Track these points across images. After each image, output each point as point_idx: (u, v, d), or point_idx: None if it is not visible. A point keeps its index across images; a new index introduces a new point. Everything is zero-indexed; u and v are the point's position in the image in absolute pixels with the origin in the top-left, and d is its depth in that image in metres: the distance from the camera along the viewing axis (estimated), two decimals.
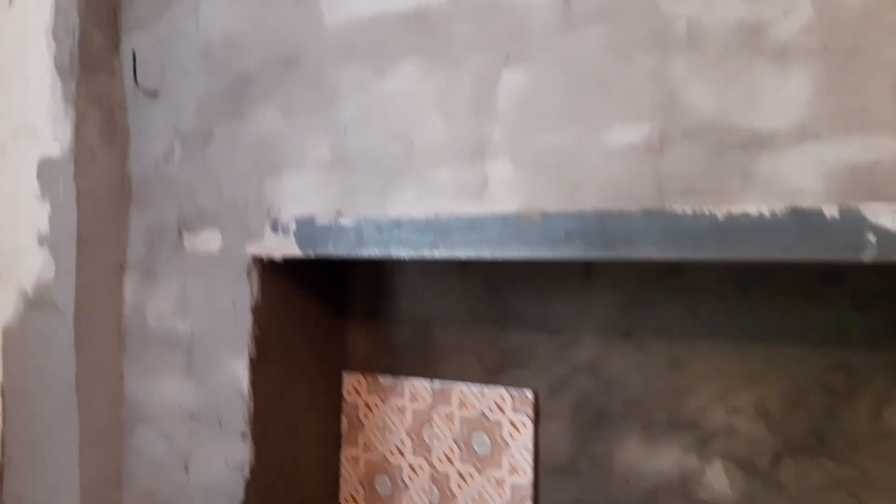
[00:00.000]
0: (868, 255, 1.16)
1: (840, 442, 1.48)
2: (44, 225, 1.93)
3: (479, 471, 1.86)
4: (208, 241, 1.84)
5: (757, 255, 1.25)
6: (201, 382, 1.85)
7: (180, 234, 1.89)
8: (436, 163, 1.56)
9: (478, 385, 1.87)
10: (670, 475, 1.65)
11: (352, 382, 2.04)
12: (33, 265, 1.94)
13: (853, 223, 1.17)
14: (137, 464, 1.95)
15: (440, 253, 1.52)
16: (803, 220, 1.21)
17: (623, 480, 1.70)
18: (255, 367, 1.79)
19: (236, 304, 1.79)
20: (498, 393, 1.84)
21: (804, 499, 1.52)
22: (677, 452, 1.64)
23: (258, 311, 1.78)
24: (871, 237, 1.16)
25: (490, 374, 1.86)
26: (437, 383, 1.92)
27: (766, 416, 1.55)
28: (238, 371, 1.79)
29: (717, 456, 1.60)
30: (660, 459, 1.66)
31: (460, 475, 1.88)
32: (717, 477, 1.60)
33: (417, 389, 1.94)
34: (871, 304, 1.46)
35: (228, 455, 1.80)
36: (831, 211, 1.19)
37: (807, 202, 1.22)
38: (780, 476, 1.54)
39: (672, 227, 1.31)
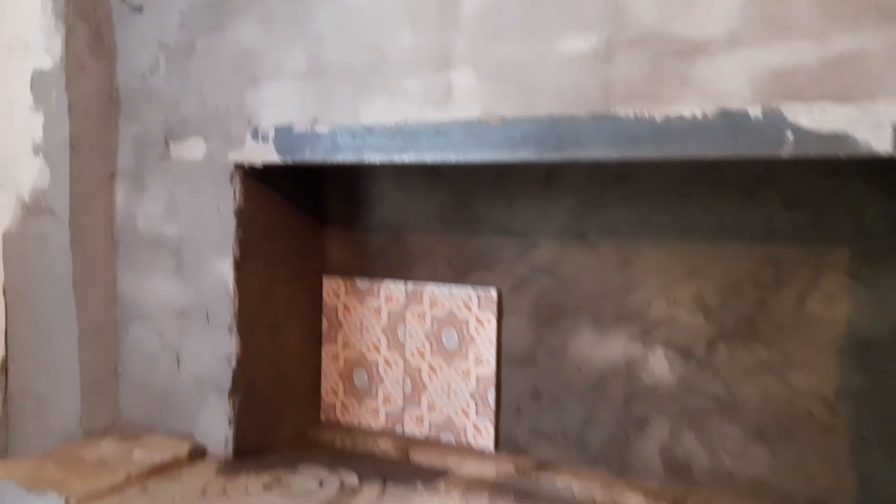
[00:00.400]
0: (786, 151, 1.30)
1: (768, 328, 1.65)
2: (38, 134, 2.03)
3: (447, 363, 2.02)
4: (193, 149, 1.96)
5: (690, 153, 1.38)
6: (190, 282, 2.00)
7: (167, 144, 2.00)
8: (404, 72, 1.67)
9: (447, 285, 2.02)
10: (617, 362, 1.81)
11: (331, 286, 2.18)
12: (29, 173, 2.06)
13: (774, 122, 1.30)
14: (132, 358, 2.11)
15: (409, 157, 1.65)
16: (731, 120, 1.34)
17: (576, 368, 1.86)
18: (240, 266, 1.92)
19: (220, 208, 1.91)
20: (465, 292, 1.99)
21: (735, 380, 1.69)
22: (624, 341, 1.80)
23: (241, 215, 1.90)
24: (790, 135, 1.29)
25: (458, 276, 2.01)
26: (409, 285, 2.07)
27: (703, 307, 1.71)
28: (223, 270, 1.93)
29: (659, 344, 1.76)
30: (608, 348, 1.82)
31: (431, 368, 2.05)
32: (658, 362, 1.77)
33: (392, 291, 2.09)
34: (799, 203, 1.60)
35: (216, 348, 1.96)
36: (755, 112, 1.31)
37: (734, 104, 1.35)
38: (714, 360, 1.71)
39: (616, 130, 1.43)
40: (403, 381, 2.09)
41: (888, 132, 1.22)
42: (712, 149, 1.36)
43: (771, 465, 1.66)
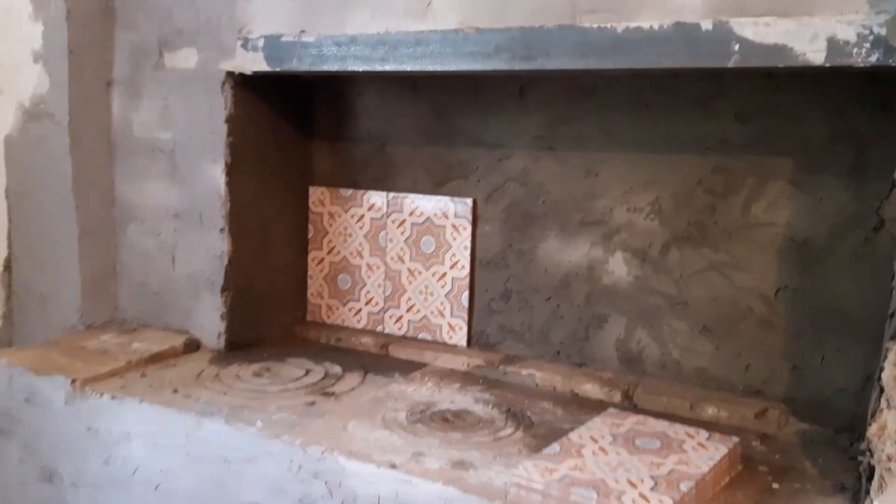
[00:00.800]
0: (733, 62, 1.42)
1: (716, 232, 1.80)
2: (38, 42, 2.12)
3: (425, 267, 2.17)
4: (186, 58, 2.06)
5: (648, 64, 1.50)
6: (184, 185, 2.12)
7: (161, 53, 2.10)
8: None
9: (426, 195, 2.15)
10: (580, 264, 1.97)
11: (317, 195, 2.31)
12: (29, 80, 2.15)
13: (723, 35, 1.42)
14: (130, 257, 2.24)
15: (390, 66, 1.76)
16: (684, 32, 1.46)
17: (543, 270, 2.02)
18: (231, 171, 2.04)
19: (212, 115, 2.02)
20: (443, 201, 2.12)
21: (685, 280, 1.85)
22: (587, 246, 1.95)
23: (232, 121, 2.01)
24: (736, 46, 1.42)
25: (436, 185, 2.14)
26: (391, 194, 2.20)
27: (659, 213, 1.86)
28: (215, 175, 2.05)
29: (619, 247, 1.91)
30: (573, 252, 1.97)
31: (410, 272, 2.19)
32: (617, 264, 1.92)
33: (374, 200, 2.22)
34: (749, 116, 1.74)
35: (209, 248, 2.09)
36: (707, 25, 1.44)
37: (689, 18, 1.46)
38: (667, 262, 1.86)
39: (581, 41, 1.55)
40: (384, 284, 2.24)
41: (822, 44, 1.35)
42: (667, 59, 1.48)
43: (714, 357, 1.83)
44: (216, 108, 2.02)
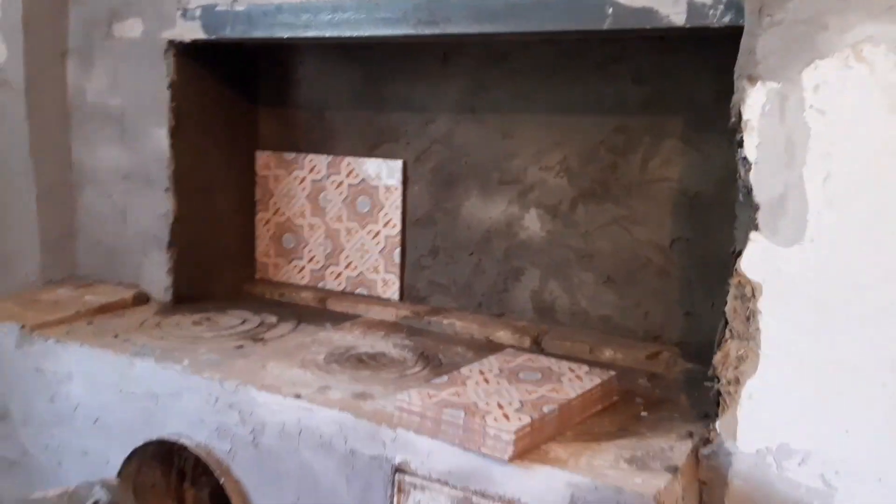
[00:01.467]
0: (607, 24, 1.54)
1: (618, 189, 1.92)
2: None
3: (361, 226, 2.30)
4: (132, 28, 2.19)
5: (536, 27, 1.62)
6: (133, 149, 2.25)
7: (110, 24, 2.23)
8: None
9: (361, 158, 2.28)
10: (499, 221, 2.09)
11: (263, 159, 2.45)
12: None
13: (600, 0, 1.54)
14: (86, 217, 2.38)
15: (312, 32, 1.88)
16: None
17: (466, 227, 2.14)
18: (174, 134, 2.17)
19: (157, 82, 2.15)
20: (376, 163, 2.25)
21: (591, 234, 1.97)
22: (504, 204, 2.08)
23: (174, 88, 2.14)
24: (610, 10, 1.53)
25: (370, 148, 2.27)
26: (329, 157, 2.33)
27: (567, 172, 1.98)
28: (161, 138, 2.18)
29: (532, 204, 2.04)
30: (492, 209, 2.10)
31: (347, 231, 2.33)
32: (531, 220, 2.05)
33: (315, 163, 2.36)
34: (645, 79, 1.85)
35: (156, 206, 2.22)
36: None
37: None
38: (575, 217, 1.99)
39: (478, 6, 1.67)
40: (325, 242, 2.37)
41: (683, 7, 1.46)
42: (552, 23, 1.60)
43: (618, 306, 1.96)
44: (160, 76, 2.15)
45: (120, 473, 1.80)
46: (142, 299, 2.26)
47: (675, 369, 1.80)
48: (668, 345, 1.88)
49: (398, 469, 1.44)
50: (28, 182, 2.32)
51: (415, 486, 1.42)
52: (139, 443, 1.75)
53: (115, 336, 1.94)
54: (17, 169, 2.32)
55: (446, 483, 1.39)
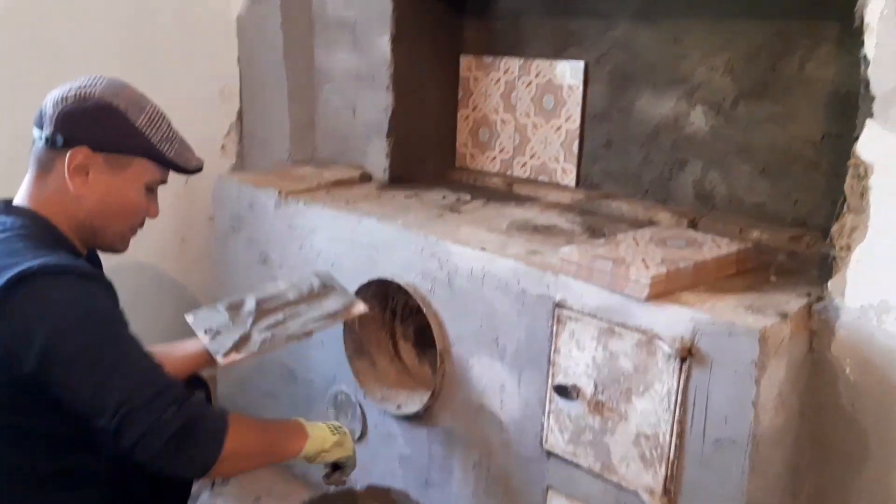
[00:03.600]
0: None
1: (776, 88, 2.12)
2: None
3: (546, 121, 2.65)
4: None
5: None
6: (362, 53, 2.73)
7: None
8: None
9: (548, 60, 2.61)
10: (667, 117, 2.35)
11: (465, 62, 2.84)
12: None
13: None
14: (324, 111, 2.93)
15: None
16: None
17: (637, 122, 2.43)
18: (395, 41, 2.61)
19: None
20: (561, 65, 2.57)
21: (749, 129, 2.19)
22: (673, 101, 2.33)
23: (396, 1, 2.57)
24: None
25: (557, 52, 2.59)
26: (521, 60, 2.68)
27: (731, 72, 2.19)
28: (384, 45, 2.64)
29: (698, 102, 2.28)
30: (662, 106, 2.36)
31: (534, 125, 2.69)
32: (697, 116, 2.29)
33: (508, 65, 2.72)
34: None
35: (378, 102, 2.70)
36: None
37: None
38: (736, 113, 2.21)
39: None
40: (514, 135, 2.75)
41: None
42: None
43: (770, 194, 2.18)
44: None
45: None
46: (365, 178, 2.79)
47: (814, 249, 2.01)
48: (812, 229, 2.09)
49: (558, 305, 1.83)
50: (281, 81, 2.89)
51: (570, 318, 1.81)
52: (364, 281, 2.27)
53: (347, 202, 2.47)
54: (273, 70, 2.89)
55: (595, 316, 1.76)
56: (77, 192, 1.53)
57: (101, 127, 1.52)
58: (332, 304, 2.02)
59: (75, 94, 1.53)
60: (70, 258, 1.44)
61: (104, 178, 1.55)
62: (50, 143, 1.50)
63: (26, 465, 1.43)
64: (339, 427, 1.76)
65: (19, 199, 1.56)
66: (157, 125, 1.59)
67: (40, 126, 1.51)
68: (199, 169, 1.70)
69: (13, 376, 1.33)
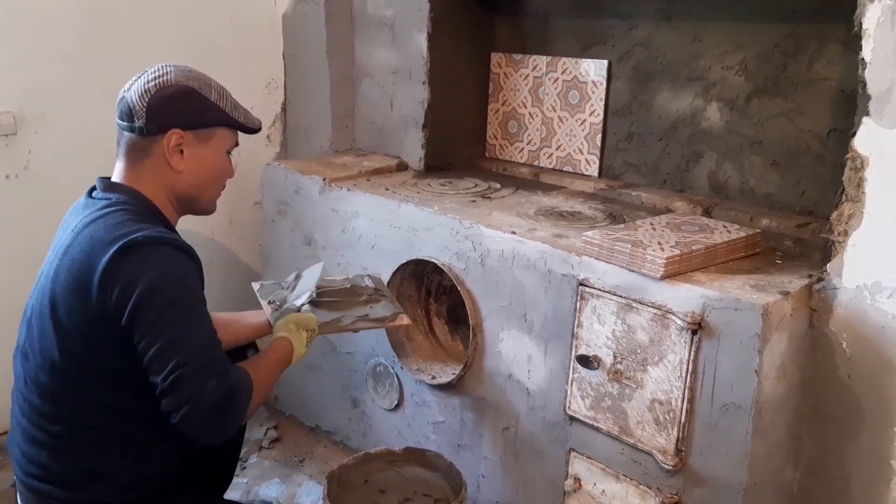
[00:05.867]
0: None
1: (787, 85, 2.28)
2: None
3: (571, 115, 2.83)
4: None
5: None
6: (400, 49, 2.93)
7: None
8: None
9: (574, 58, 2.78)
10: (685, 112, 2.53)
11: (496, 59, 3.03)
12: None
13: None
14: (363, 104, 3.13)
15: None
16: None
17: (657, 117, 2.60)
18: (431, 38, 2.80)
19: None
20: (586, 62, 2.75)
21: (762, 124, 2.36)
22: (690, 97, 2.50)
23: (433, 1, 2.76)
24: None
25: (583, 50, 2.77)
26: (549, 58, 2.86)
27: (745, 71, 2.36)
28: (421, 42, 2.83)
29: (714, 98, 2.45)
30: (680, 102, 2.53)
31: (559, 119, 2.87)
32: (712, 111, 2.46)
33: (536, 62, 2.90)
34: None
35: (415, 96, 2.90)
36: None
37: None
38: (749, 109, 2.38)
39: None
40: (541, 128, 2.94)
41: None
42: None
43: (780, 185, 2.35)
44: None
45: (388, 284, 2.55)
46: (402, 167, 2.98)
47: (820, 236, 2.18)
48: (818, 217, 2.26)
49: (581, 283, 2.02)
50: (324, 74, 3.09)
51: (592, 295, 2.00)
52: (402, 261, 2.47)
53: (386, 189, 2.67)
54: (317, 64, 3.10)
55: (614, 293, 1.95)
56: (177, 167, 1.74)
57: (185, 108, 1.73)
58: (381, 310, 2.17)
59: (155, 85, 1.72)
60: (167, 232, 1.65)
61: (197, 151, 1.76)
62: (145, 132, 1.70)
63: (127, 404, 1.66)
64: (300, 319, 1.97)
65: (117, 179, 1.77)
66: (226, 97, 1.80)
67: (130, 119, 1.71)
68: (260, 128, 1.91)
69: (120, 327, 1.54)
